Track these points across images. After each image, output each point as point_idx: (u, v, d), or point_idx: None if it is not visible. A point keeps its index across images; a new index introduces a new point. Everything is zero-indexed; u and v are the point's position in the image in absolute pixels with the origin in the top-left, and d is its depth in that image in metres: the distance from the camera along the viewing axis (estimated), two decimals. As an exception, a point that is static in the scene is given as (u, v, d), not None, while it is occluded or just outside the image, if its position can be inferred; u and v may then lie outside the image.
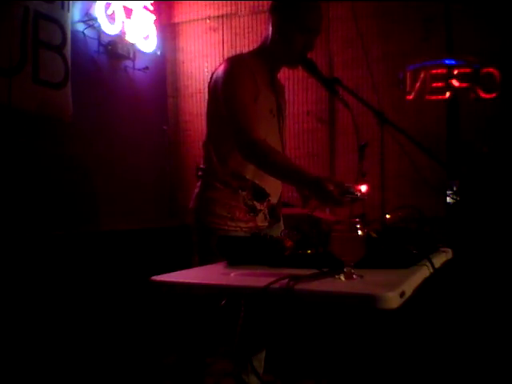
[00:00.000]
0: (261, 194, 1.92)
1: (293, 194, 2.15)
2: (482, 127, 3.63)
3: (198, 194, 1.96)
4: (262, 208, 1.94)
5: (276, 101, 1.97)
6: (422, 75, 3.82)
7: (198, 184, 1.98)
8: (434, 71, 3.81)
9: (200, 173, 1.97)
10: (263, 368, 2.06)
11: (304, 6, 1.84)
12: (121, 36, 4.02)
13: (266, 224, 1.96)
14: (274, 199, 1.99)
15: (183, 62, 4.75)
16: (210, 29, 4.62)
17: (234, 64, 1.86)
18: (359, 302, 1.04)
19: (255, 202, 1.91)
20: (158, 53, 4.54)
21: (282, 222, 2.12)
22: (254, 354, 1.98)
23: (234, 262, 1.51)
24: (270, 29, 1.91)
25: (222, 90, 1.84)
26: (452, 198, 3.38)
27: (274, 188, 1.98)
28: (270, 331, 1.30)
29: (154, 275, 1.34)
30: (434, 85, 3.80)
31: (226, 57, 4.42)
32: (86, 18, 3.74)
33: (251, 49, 2.04)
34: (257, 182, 1.90)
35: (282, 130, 2.04)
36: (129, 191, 4.11)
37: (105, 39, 3.92)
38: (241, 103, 1.80)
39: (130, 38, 4.11)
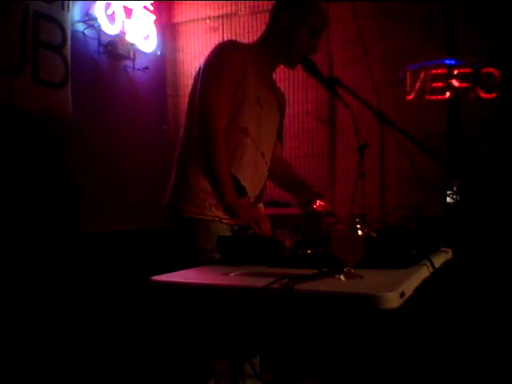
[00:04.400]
0: (239, 190, 1.84)
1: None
2: (482, 127, 3.62)
3: (172, 184, 1.91)
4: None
5: (267, 93, 1.93)
6: (422, 75, 3.82)
7: (173, 175, 1.92)
8: (434, 71, 3.80)
9: (176, 161, 1.91)
10: (258, 369, 2.06)
11: (315, 10, 1.86)
12: (121, 36, 4.02)
13: None
14: (252, 195, 1.91)
15: (183, 62, 4.75)
16: (210, 29, 4.61)
17: (222, 47, 1.85)
18: (359, 302, 1.04)
19: None
20: (158, 53, 4.53)
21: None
22: (253, 355, 1.97)
23: (233, 262, 1.50)
24: (273, 26, 1.89)
25: (202, 72, 1.83)
26: (452, 198, 3.38)
27: (253, 183, 1.91)
28: (269, 331, 1.30)
29: (153, 275, 1.34)
30: (434, 85, 3.80)
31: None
32: (86, 18, 3.73)
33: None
34: (234, 173, 1.82)
35: (272, 126, 1.99)
36: (128, 191, 4.10)
37: (105, 39, 3.92)
38: (214, 88, 1.77)
39: (130, 37, 4.11)
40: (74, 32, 3.63)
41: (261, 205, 2.05)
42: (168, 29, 4.72)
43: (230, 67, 1.79)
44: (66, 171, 3.54)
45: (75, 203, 3.59)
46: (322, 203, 1.88)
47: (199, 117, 1.77)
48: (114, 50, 3.99)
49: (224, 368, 1.98)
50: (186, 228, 1.84)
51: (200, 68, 1.88)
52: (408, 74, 3.86)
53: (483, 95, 3.69)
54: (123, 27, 4.01)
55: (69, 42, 3.49)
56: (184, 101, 4.73)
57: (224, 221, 1.79)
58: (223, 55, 1.83)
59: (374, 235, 1.40)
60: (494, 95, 3.67)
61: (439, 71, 3.79)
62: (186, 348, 1.90)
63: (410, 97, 3.85)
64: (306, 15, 1.83)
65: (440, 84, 3.79)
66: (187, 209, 1.83)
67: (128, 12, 4.07)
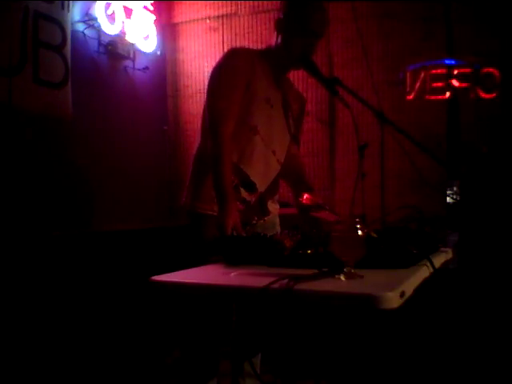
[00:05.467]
0: (249, 186, 1.88)
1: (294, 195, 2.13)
2: (482, 127, 3.62)
3: (188, 183, 1.96)
4: (251, 200, 1.89)
5: (278, 95, 1.95)
6: (422, 75, 3.82)
7: (189, 176, 1.98)
8: (434, 71, 3.81)
9: (192, 162, 1.97)
10: (259, 370, 2.06)
11: (308, 8, 1.83)
12: (121, 36, 4.02)
13: (255, 219, 1.94)
14: (262, 190, 1.94)
15: (183, 62, 4.75)
16: (210, 29, 4.62)
17: (229, 54, 1.89)
18: (359, 302, 1.04)
19: (242, 190, 1.87)
20: (158, 53, 4.53)
21: (277, 220, 2.10)
22: (253, 355, 1.98)
23: (233, 262, 1.50)
24: (275, 27, 1.92)
25: (211, 78, 1.88)
26: (452, 198, 3.38)
27: (264, 179, 1.93)
28: (269, 331, 1.30)
29: (154, 275, 1.34)
30: (434, 85, 3.80)
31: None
32: (86, 18, 3.74)
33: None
34: (243, 169, 1.86)
35: (285, 126, 2.01)
36: (129, 191, 4.11)
37: (105, 39, 3.92)
38: (221, 96, 1.81)
39: (130, 37, 4.11)
40: (74, 32, 3.63)
41: (276, 205, 2.06)
42: (168, 29, 4.72)
43: (237, 71, 1.83)
44: (66, 171, 3.54)
45: (77, 203, 3.60)
46: (308, 196, 1.89)
47: (209, 123, 1.83)
48: (114, 50, 3.99)
49: (226, 368, 1.99)
50: (197, 223, 1.89)
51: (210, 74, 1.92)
52: (408, 74, 3.86)
53: (483, 95, 3.69)
54: (123, 27, 4.01)
55: (69, 42, 3.49)
56: (184, 101, 4.74)
57: None
58: (230, 61, 1.86)
59: (374, 235, 1.40)
60: (493, 95, 3.67)
61: (439, 71, 3.80)
62: (187, 347, 1.91)
63: (410, 97, 3.86)
64: (297, 14, 1.83)
65: (440, 84, 3.79)
66: (199, 205, 1.88)
67: (128, 12, 4.07)
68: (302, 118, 2.15)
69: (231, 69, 1.83)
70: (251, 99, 1.83)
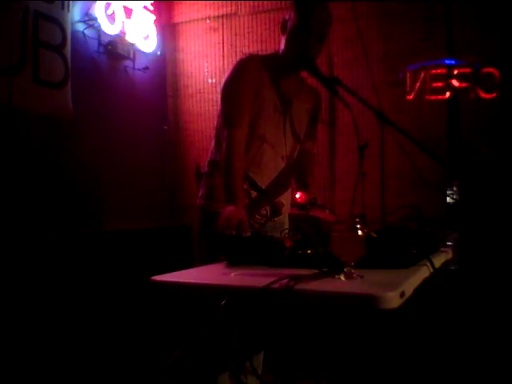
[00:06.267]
0: (259, 190, 1.93)
1: (292, 194, 2.16)
2: (482, 127, 3.62)
3: (202, 186, 2.03)
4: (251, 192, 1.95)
5: (286, 99, 1.97)
6: (422, 75, 3.82)
7: (203, 178, 2.04)
8: (434, 71, 3.81)
9: (205, 168, 2.04)
10: (261, 368, 2.07)
11: (311, 8, 1.85)
12: (121, 36, 4.02)
13: (264, 220, 1.97)
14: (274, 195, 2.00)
15: (183, 62, 4.75)
16: (210, 29, 4.62)
17: (239, 63, 1.94)
18: (359, 302, 1.04)
19: (253, 193, 1.92)
20: (158, 53, 4.53)
21: (286, 219, 2.11)
22: (253, 354, 1.98)
23: (234, 262, 1.51)
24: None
25: (222, 89, 1.95)
26: (452, 198, 3.37)
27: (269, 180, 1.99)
28: (269, 331, 1.30)
29: (154, 275, 1.34)
30: (434, 85, 3.80)
31: (225, 57, 4.45)
32: (86, 18, 3.73)
33: (251, 49, 2.07)
34: (253, 177, 1.92)
35: (294, 131, 2.04)
36: (129, 191, 4.11)
37: (105, 39, 3.92)
38: (232, 100, 1.90)
39: (130, 37, 4.11)
40: (74, 32, 3.63)
41: (287, 206, 2.09)
42: (168, 29, 4.72)
43: (246, 83, 1.88)
44: (66, 171, 3.54)
45: (77, 203, 3.60)
46: (302, 194, 1.91)
47: (223, 130, 1.89)
48: (114, 50, 3.99)
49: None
50: (208, 221, 1.95)
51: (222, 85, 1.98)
52: (408, 74, 3.86)
53: (483, 95, 3.69)
54: (123, 27, 4.01)
55: (69, 42, 3.49)
56: (184, 101, 4.74)
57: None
58: (239, 74, 1.91)
59: (374, 235, 1.40)
60: (494, 95, 3.67)
61: (439, 71, 3.79)
62: (189, 346, 1.93)
63: (410, 97, 3.86)
64: (303, 13, 1.84)
65: (440, 84, 3.79)
66: (213, 204, 1.95)
67: (128, 12, 4.07)
68: (317, 115, 2.19)
69: (240, 81, 1.89)
70: (260, 107, 1.89)
